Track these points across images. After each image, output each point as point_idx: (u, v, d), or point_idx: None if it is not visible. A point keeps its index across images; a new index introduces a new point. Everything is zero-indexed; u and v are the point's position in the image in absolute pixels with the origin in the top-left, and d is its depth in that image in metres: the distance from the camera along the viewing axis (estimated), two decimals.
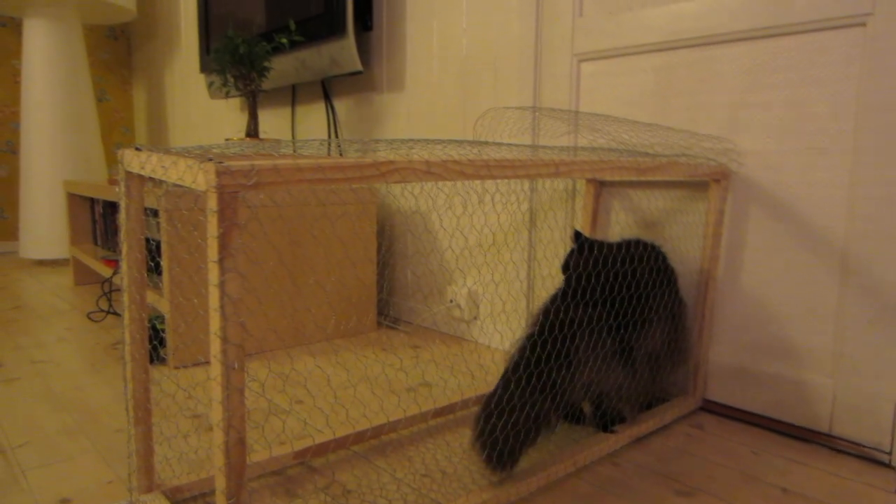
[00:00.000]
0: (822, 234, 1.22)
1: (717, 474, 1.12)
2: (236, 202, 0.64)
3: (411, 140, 1.14)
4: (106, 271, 2.17)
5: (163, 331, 1.68)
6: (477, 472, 1.10)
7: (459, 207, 1.93)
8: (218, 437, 0.66)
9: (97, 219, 2.73)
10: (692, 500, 1.03)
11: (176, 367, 1.63)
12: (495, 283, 1.84)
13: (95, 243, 2.78)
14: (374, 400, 1.43)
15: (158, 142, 3.89)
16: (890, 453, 1.16)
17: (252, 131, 2.21)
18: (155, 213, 1.83)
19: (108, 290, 2.18)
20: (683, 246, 1.42)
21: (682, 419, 1.35)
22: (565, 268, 1.27)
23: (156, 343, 1.66)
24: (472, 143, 1.17)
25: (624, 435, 1.21)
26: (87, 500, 1.00)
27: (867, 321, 1.17)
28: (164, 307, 1.63)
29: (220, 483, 0.67)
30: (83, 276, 2.72)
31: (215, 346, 0.65)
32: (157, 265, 1.88)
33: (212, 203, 0.63)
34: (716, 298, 1.37)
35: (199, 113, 3.43)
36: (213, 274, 0.64)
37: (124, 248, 0.90)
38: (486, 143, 1.18)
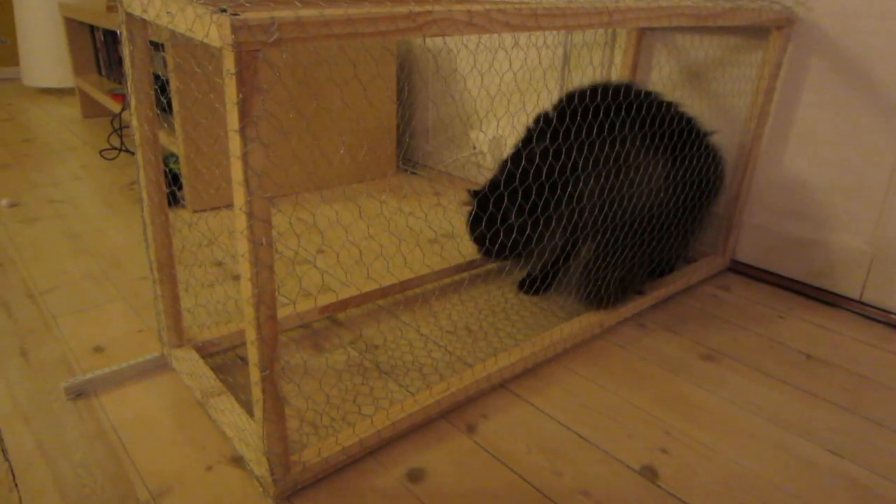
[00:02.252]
0: (890, 94, 1.11)
1: (741, 338, 1.12)
2: (257, 62, 0.56)
3: None
4: (114, 106, 2.09)
5: (178, 171, 1.64)
6: (504, 331, 1.10)
7: (481, 48, 1.79)
8: (248, 312, 0.64)
9: (99, 46, 2.59)
10: (716, 365, 1.03)
11: (195, 211, 1.61)
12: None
13: (100, 73, 2.65)
14: (398, 253, 1.42)
15: None
16: None
17: None
18: (162, 47, 1.71)
19: (119, 127, 2.11)
20: (730, 101, 1.32)
21: (709, 279, 1.34)
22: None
23: (174, 188, 1.63)
24: None
25: (649, 297, 1.19)
26: (119, 349, 1.02)
27: None
28: (178, 150, 1.57)
29: (253, 356, 0.66)
30: (91, 108, 2.63)
31: (241, 221, 0.60)
32: (169, 103, 1.79)
33: (229, 63, 0.55)
34: (759, 157, 1.30)
35: None
36: (235, 145, 0.58)
37: (132, 100, 0.82)
38: None
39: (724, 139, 1.35)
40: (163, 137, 1.67)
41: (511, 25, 0.73)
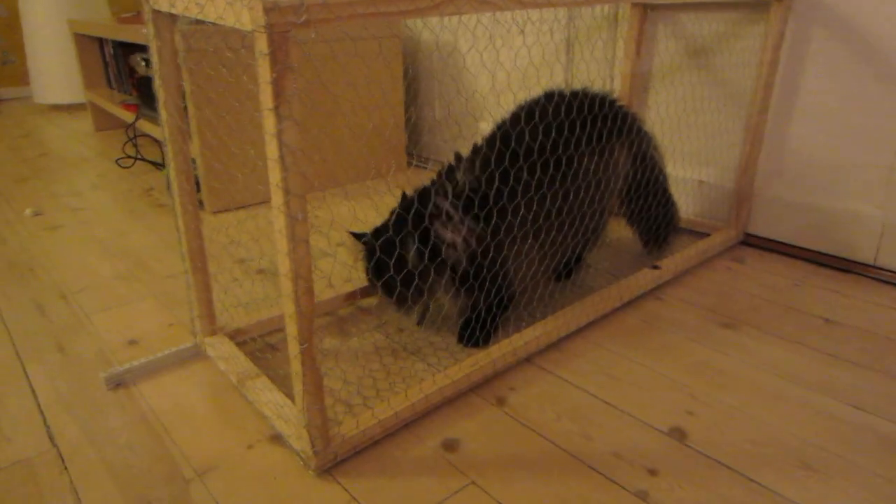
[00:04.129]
0: (894, 59, 1.13)
1: (759, 306, 1.14)
2: (288, 42, 0.59)
3: None
4: (128, 117, 2.12)
5: (195, 174, 1.66)
6: (526, 308, 1.12)
7: (486, 41, 1.82)
8: (286, 286, 0.66)
9: (108, 60, 2.63)
10: (736, 332, 1.05)
11: (214, 213, 1.64)
12: None
13: (110, 86, 2.69)
14: None
15: None
16: None
17: None
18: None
19: (133, 136, 2.14)
20: (735, 74, 1.34)
21: (724, 253, 1.35)
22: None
23: None
24: None
25: (667, 270, 1.21)
26: (153, 341, 1.04)
27: None
28: (193, 152, 1.60)
29: (292, 330, 0.68)
30: (103, 121, 2.67)
31: (277, 198, 0.63)
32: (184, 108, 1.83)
33: (261, 45, 0.58)
34: (766, 129, 1.31)
35: None
36: (269, 122, 0.60)
37: (161, 95, 0.85)
38: None
39: (731, 112, 1.37)
40: None
41: (523, 3, 0.75)
